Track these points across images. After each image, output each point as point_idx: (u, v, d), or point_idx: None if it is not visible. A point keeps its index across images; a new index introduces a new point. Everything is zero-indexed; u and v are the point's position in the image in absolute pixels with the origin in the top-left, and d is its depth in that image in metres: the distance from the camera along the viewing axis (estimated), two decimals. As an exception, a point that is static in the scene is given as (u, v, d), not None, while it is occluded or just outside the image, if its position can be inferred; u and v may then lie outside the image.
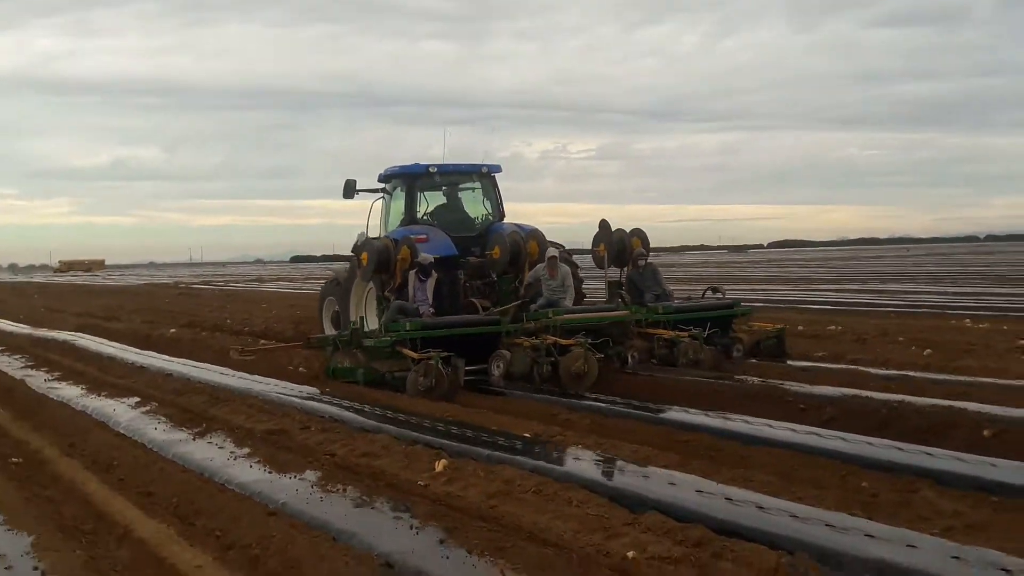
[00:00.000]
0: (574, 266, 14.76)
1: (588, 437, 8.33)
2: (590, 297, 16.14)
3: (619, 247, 14.66)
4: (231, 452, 8.22)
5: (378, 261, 13.25)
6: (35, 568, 5.25)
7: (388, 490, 6.89)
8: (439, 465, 7.26)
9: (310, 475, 7.31)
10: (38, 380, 13.75)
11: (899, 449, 7.37)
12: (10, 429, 10.19)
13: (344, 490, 6.80)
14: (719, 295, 14.85)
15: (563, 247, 14.83)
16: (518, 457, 7.46)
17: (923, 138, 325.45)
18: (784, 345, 13.47)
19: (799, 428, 8.25)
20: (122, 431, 9.61)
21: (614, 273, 14.87)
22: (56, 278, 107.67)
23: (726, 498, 5.98)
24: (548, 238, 14.46)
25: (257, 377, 12.91)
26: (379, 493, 6.76)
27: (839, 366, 12.20)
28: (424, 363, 11.12)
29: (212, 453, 8.27)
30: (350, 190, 15.55)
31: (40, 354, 17.74)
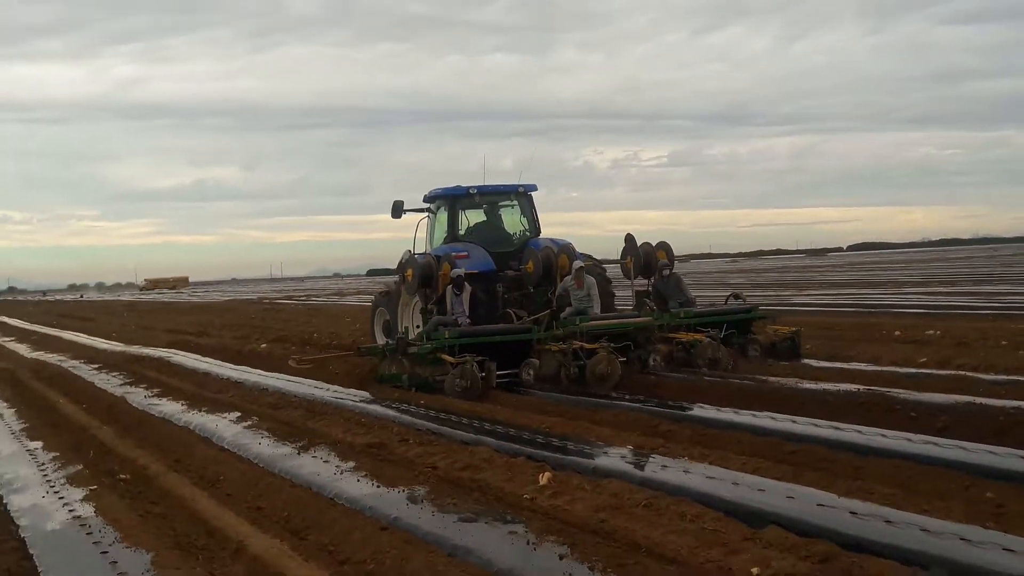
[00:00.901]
0: (604, 277, 15.70)
1: (693, 448, 8.17)
2: (621, 305, 16.91)
3: (645, 259, 15.81)
4: (336, 466, 8.27)
5: (422, 276, 14.50)
6: (160, 585, 5.30)
7: (496, 504, 6.84)
8: (543, 478, 7.19)
9: (417, 489, 7.30)
10: (138, 397, 14.05)
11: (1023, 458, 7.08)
12: (116, 446, 10.39)
13: (453, 504, 6.77)
14: (740, 301, 16.23)
15: (593, 258, 15.91)
16: (624, 470, 7.34)
17: (1000, 136, 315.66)
18: (798, 346, 14.21)
19: (915, 437, 7.95)
20: (226, 446, 9.76)
21: (643, 283, 16.03)
22: (143, 296, 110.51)
23: (850, 512, 5.77)
24: (585, 251, 15.39)
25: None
26: (487, 507, 6.72)
27: (945, 372, 11.80)
28: (461, 367, 12.29)
29: (318, 467, 8.32)
30: (398, 210, 16.63)
31: (137, 371, 18.15)
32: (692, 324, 14.18)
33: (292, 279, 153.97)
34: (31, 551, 6.17)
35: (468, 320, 14.14)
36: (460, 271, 14.34)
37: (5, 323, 48.55)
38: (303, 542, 6.41)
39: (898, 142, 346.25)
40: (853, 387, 10.44)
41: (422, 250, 16.10)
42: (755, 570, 5.06)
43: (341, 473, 8.00)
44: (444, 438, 9.28)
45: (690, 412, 10.10)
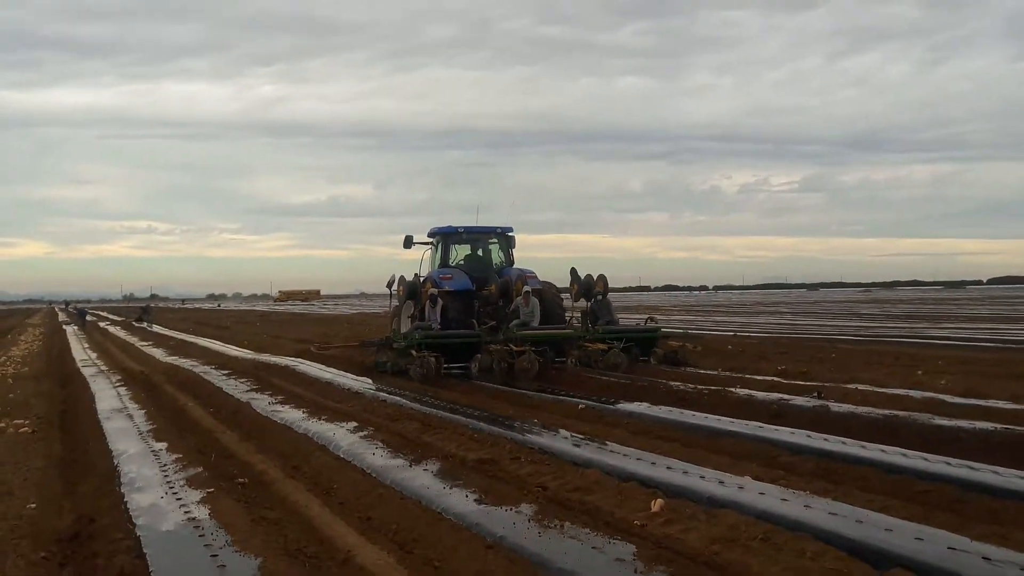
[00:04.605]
0: (558, 299, 20.63)
1: (815, 483, 7.81)
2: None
3: (587, 286, 20.58)
4: (446, 480, 8.23)
5: (409, 291, 20.04)
6: (264, 591, 5.32)
7: (605, 528, 6.65)
8: (655, 505, 6.98)
9: (525, 508, 7.19)
10: (262, 403, 14.39)
11: None
12: (237, 450, 10.62)
13: (561, 527, 6.63)
14: (653, 322, 21.85)
15: (553, 285, 20.94)
16: (741, 500, 7.06)
17: None
18: (680, 357, 18.71)
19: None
20: (342, 455, 9.85)
21: (583, 305, 20.82)
22: (276, 307, 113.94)
23: (983, 557, 5.39)
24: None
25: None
26: (596, 531, 6.54)
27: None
28: (421, 359, 17.37)
29: (428, 481, 8.30)
30: (408, 242, 21.04)
31: (264, 378, 18.64)
32: (604, 337, 18.72)
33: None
34: (145, 550, 6.29)
35: (439, 326, 18.94)
36: (435, 290, 19.33)
37: (144, 329, 50.76)
38: (409, 555, 6.36)
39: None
40: (990, 425, 9.85)
41: (426, 272, 20.96)
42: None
43: (450, 488, 7.94)
44: (557, 457, 9.13)
45: (810, 443, 9.68)
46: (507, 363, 16.94)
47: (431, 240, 21.51)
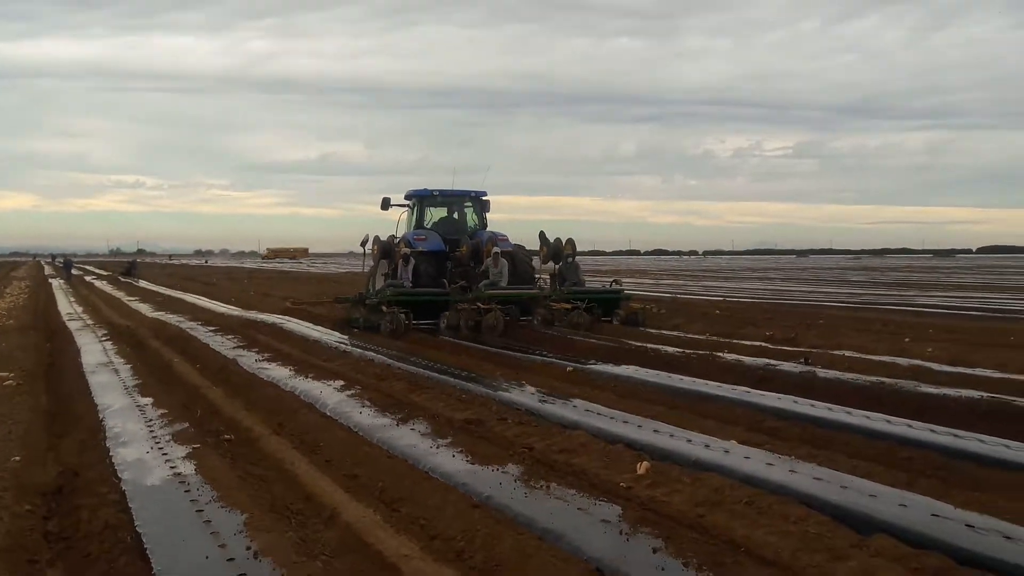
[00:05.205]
0: (527, 261, 21.41)
1: (800, 448, 7.83)
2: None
3: (555, 249, 21.35)
4: (433, 440, 8.23)
5: (383, 251, 20.85)
6: (248, 548, 5.31)
7: (591, 490, 6.67)
8: (641, 467, 7.00)
9: (511, 469, 7.20)
10: (249, 360, 14.34)
11: None
12: (223, 407, 10.59)
13: (547, 487, 6.64)
14: (617, 285, 22.46)
15: (523, 247, 21.79)
16: (726, 464, 7.08)
17: None
18: (641, 319, 19.87)
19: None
20: (328, 413, 9.84)
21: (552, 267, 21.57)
22: (264, 264, 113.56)
23: (967, 524, 5.42)
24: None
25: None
26: (582, 493, 6.56)
27: None
28: (391, 315, 18.29)
29: (415, 440, 8.30)
30: (386, 204, 21.85)
31: (251, 335, 18.57)
32: (568, 298, 19.63)
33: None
34: (130, 504, 6.28)
35: (410, 284, 19.83)
36: (407, 250, 20.18)
37: (131, 284, 50.56)
38: (395, 513, 6.36)
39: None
40: (976, 394, 9.89)
41: (402, 233, 21.68)
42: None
43: (437, 447, 7.94)
44: (543, 419, 9.16)
45: (796, 409, 9.72)
46: (474, 320, 17.99)
47: (408, 203, 22.34)
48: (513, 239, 21.72)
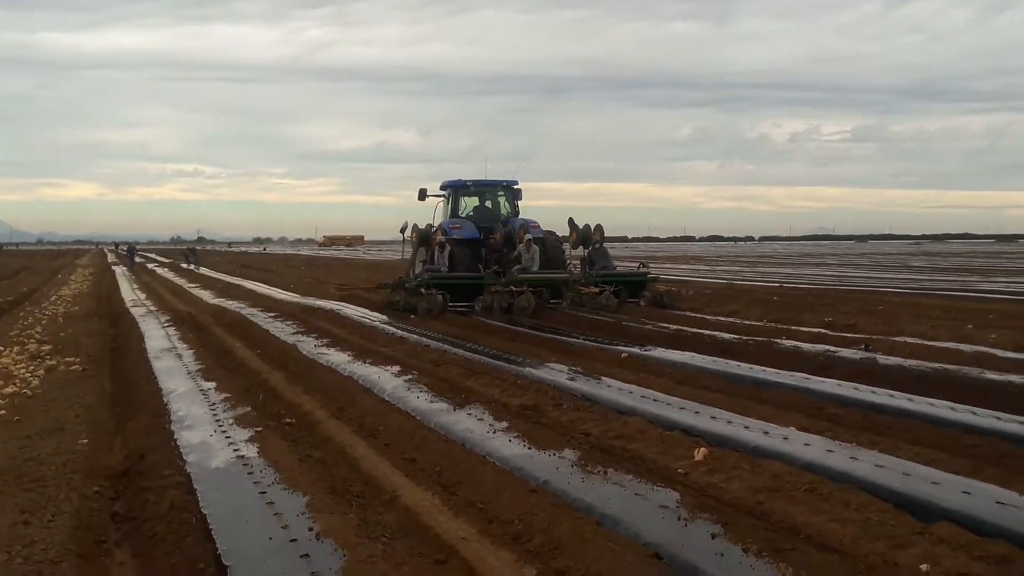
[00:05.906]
0: (559, 246, 22.34)
1: (861, 435, 7.73)
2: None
3: (584, 235, 22.64)
4: (490, 425, 8.29)
5: (420, 238, 22.30)
6: (310, 529, 5.40)
7: (648, 476, 6.66)
8: (699, 453, 6.97)
9: (568, 454, 7.22)
10: (308, 346, 14.54)
11: None
12: (284, 391, 10.74)
13: (604, 473, 6.65)
14: (645, 268, 23.57)
15: (555, 233, 22.72)
16: (785, 451, 7.03)
17: None
18: (665, 300, 20.69)
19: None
20: (387, 398, 9.95)
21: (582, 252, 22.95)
22: (321, 251, 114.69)
23: (1032, 512, 5.32)
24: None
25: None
26: (639, 478, 6.56)
27: None
28: (429, 296, 19.52)
29: (472, 424, 8.37)
30: (423, 195, 23.10)
31: (309, 321, 18.83)
32: (596, 281, 20.76)
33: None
34: (195, 486, 6.41)
35: (447, 270, 20.96)
36: (443, 238, 21.38)
37: (192, 271, 51.41)
38: (453, 497, 6.41)
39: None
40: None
41: (439, 222, 22.75)
42: (924, 567, 4.72)
43: (494, 432, 8.01)
44: (599, 404, 9.16)
45: (856, 395, 9.58)
46: (507, 303, 19.05)
47: (443, 193, 23.46)
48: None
